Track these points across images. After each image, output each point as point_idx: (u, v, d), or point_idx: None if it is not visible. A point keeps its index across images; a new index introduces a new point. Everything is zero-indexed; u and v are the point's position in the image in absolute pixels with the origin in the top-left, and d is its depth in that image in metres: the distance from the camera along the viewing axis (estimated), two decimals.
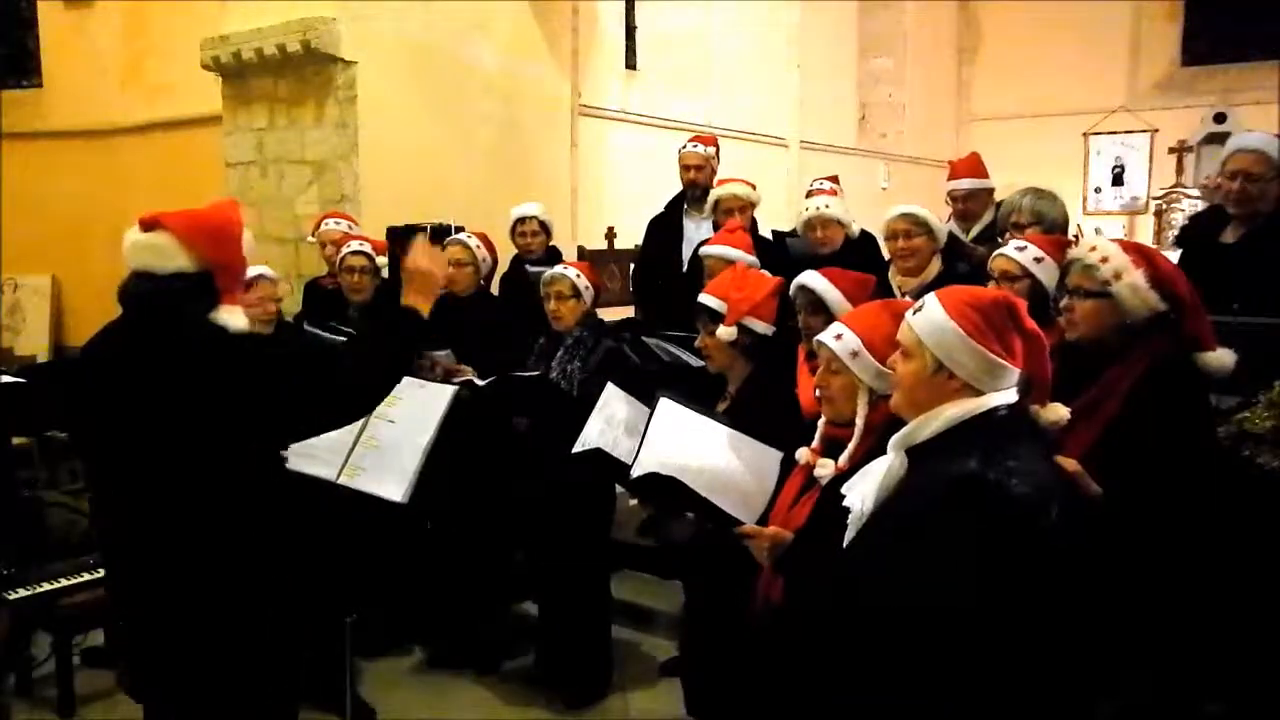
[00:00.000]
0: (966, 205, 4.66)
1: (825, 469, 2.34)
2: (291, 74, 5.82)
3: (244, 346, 2.16)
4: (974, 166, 4.79)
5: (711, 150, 5.04)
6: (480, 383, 3.68)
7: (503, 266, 5.06)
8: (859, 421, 2.29)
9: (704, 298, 3.07)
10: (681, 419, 2.75)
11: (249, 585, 2.16)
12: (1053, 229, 3.38)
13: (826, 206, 4.28)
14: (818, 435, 2.46)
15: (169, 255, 2.12)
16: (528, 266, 4.82)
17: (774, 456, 2.63)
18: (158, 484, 2.10)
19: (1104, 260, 2.41)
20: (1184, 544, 2.35)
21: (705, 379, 3.21)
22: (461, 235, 4.34)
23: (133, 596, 2.19)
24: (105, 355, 2.20)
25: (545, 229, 5.03)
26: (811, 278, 2.98)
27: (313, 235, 5.08)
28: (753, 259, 3.78)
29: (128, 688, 2.33)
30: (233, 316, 2.16)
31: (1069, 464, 2.23)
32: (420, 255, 2.42)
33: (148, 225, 2.15)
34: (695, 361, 3.55)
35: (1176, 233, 6.01)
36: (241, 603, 2.15)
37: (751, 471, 2.59)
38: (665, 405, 2.78)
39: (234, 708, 2.18)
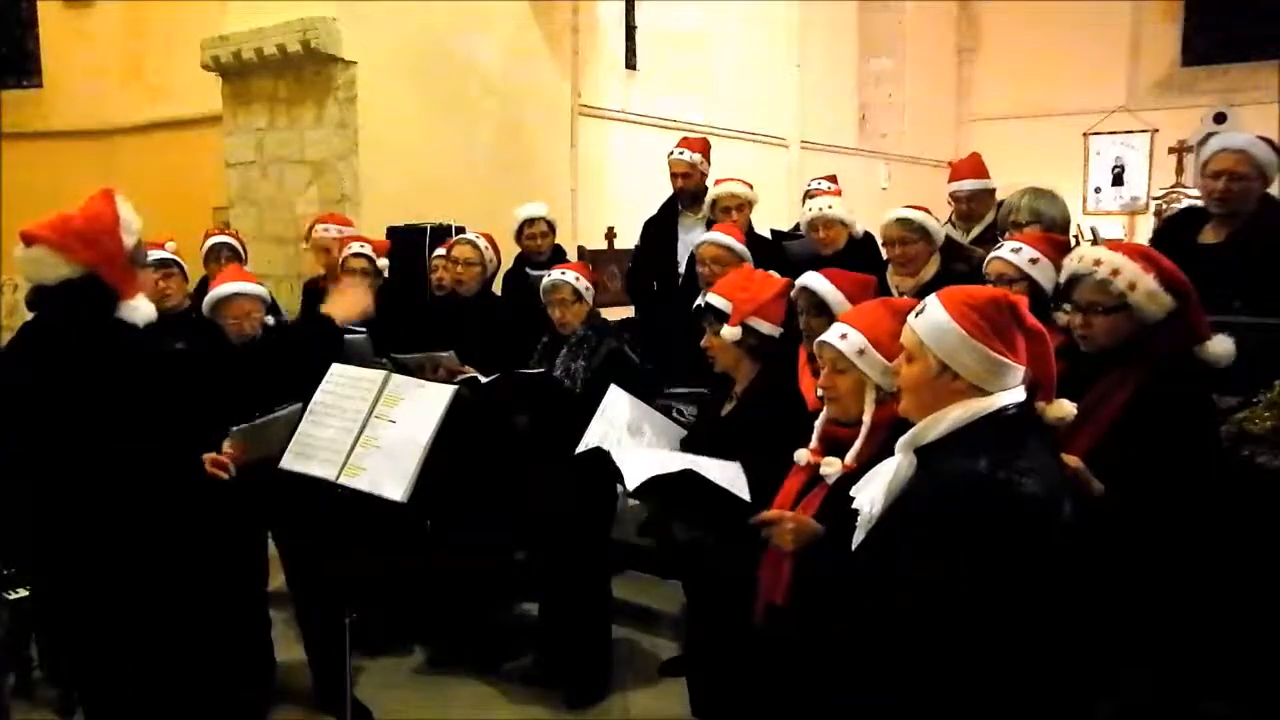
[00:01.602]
0: (970, 206, 4.66)
1: (832, 467, 2.33)
2: (291, 74, 5.82)
3: (143, 344, 2.18)
4: (976, 167, 4.79)
5: (698, 156, 4.97)
6: (484, 380, 3.68)
7: (505, 266, 5.06)
8: (866, 419, 2.28)
9: (710, 297, 3.05)
10: (643, 454, 2.74)
11: (158, 579, 2.18)
12: (1052, 227, 3.37)
13: (830, 207, 4.28)
14: (815, 434, 2.45)
15: (50, 266, 2.17)
16: (528, 270, 4.82)
17: (735, 466, 2.60)
18: (62, 486, 2.12)
19: (1115, 273, 2.39)
20: (1185, 544, 2.35)
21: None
22: (470, 235, 4.31)
23: (51, 591, 2.21)
24: (14, 361, 2.24)
25: (552, 229, 5.02)
26: (813, 279, 2.97)
27: (306, 242, 5.05)
28: (743, 248, 3.80)
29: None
30: (136, 311, 2.18)
31: (1071, 461, 2.23)
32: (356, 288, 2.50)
33: (26, 240, 2.19)
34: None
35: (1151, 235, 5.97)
36: (150, 597, 2.16)
37: (725, 479, 2.58)
38: (619, 452, 2.75)
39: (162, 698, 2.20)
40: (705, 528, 2.74)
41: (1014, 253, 2.79)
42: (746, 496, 2.51)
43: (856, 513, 1.95)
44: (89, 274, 2.15)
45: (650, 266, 5.18)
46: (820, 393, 2.43)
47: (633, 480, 2.52)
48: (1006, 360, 1.79)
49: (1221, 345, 2.46)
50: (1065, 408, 1.84)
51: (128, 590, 2.14)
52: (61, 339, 2.15)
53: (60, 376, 2.10)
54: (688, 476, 2.44)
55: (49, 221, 2.20)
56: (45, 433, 2.10)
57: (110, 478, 2.11)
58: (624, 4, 8.08)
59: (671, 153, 5.04)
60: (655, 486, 2.51)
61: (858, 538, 1.92)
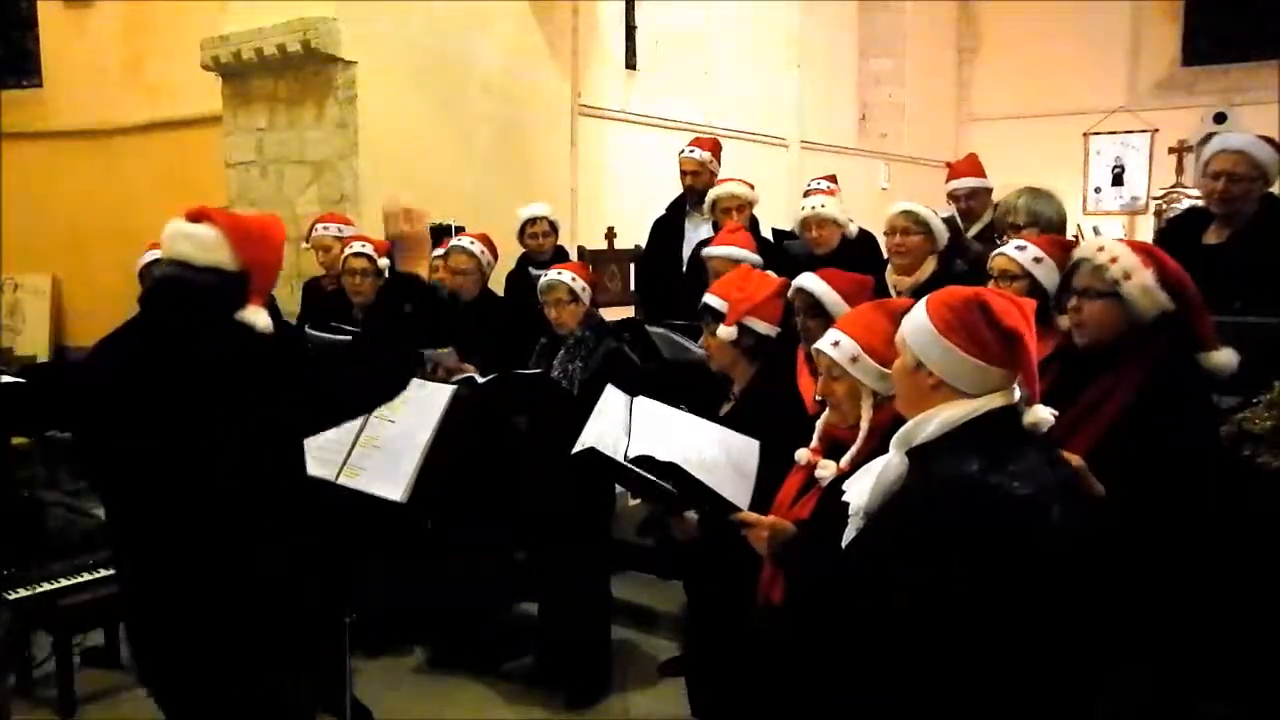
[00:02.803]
0: (968, 204, 4.68)
1: (826, 470, 2.33)
2: (291, 74, 5.82)
3: (268, 345, 2.15)
4: (973, 166, 4.83)
5: (708, 155, 5.03)
6: (481, 380, 3.68)
7: (508, 266, 5.06)
8: (863, 424, 2.28)
9: (707, 298, 3.06)
10: (660, 413, 2.76)
11: (265, 583, 2.14)
12: (1049, 228, 3.37)
13: (822, 206, 4.28)
14: (816, 435, 2.45)
15: (211, 249, 2.10)
16: (531, 269, 4.83)
17: (752, 445, 2.63)
18: (176, 481, 2.07)
19: (1113, 260, 2.39)
20: (1184, 544, 2.35)
21: (709, 376, 3.20)
22: (464, 242, 4.32)
23: (146, 595, 2.17)
24: (125, 349, 2.18)
25: (555, 229, 5.04)
26: (809, 280, 2.97)
27: (307, 242, 5.07)
28: (756, 258, 3.78)
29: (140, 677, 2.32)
30: (257, 316, 2.14)
31: (1073, 460, 2.22)
32: (393, 223, 2.34)
33: (194, 217, 2.15)
34: (700, 349, 3.54)
35: (1154, 236, 5.98)
36: (257, 601, 2.13)
37: (734, 459, 2.60)
38: (642, 401, 2.78)
39: (246, 705, 2.17)
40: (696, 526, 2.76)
41: (1019, 250, 2.80)
42: (749, 479, 2.53)
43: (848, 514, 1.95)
44: (242, 271, 2.12)
45: (657, 265, 5.21)
46: (817, 397, 2.43)
47: (634, 449, 2.53)
48: (972, 359, 1.78)
49: (1226, 356, 2.46)
50: (1039, 414, 1.83)
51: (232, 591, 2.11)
52: (187, 331, 2.09)
53: (190, 364, 2.05)
54: (673, 469, 2.44)
55: (224, 211, 2.19)
56: (171, 423, 2.05)
57: (233, 475, 2.07)
58: (624, 4, 8.08)
59: (682, 151, 5.08)
60: (649, 463, 2.51)
61: (848, 534, 1.92)
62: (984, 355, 1.78)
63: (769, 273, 3.17)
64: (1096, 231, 9.44)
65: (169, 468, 2.07)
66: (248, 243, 2.13)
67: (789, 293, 3.04)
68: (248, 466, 2.08)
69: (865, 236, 4.48)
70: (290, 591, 2.19)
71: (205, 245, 2.11)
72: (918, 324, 1.84)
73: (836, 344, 2.30)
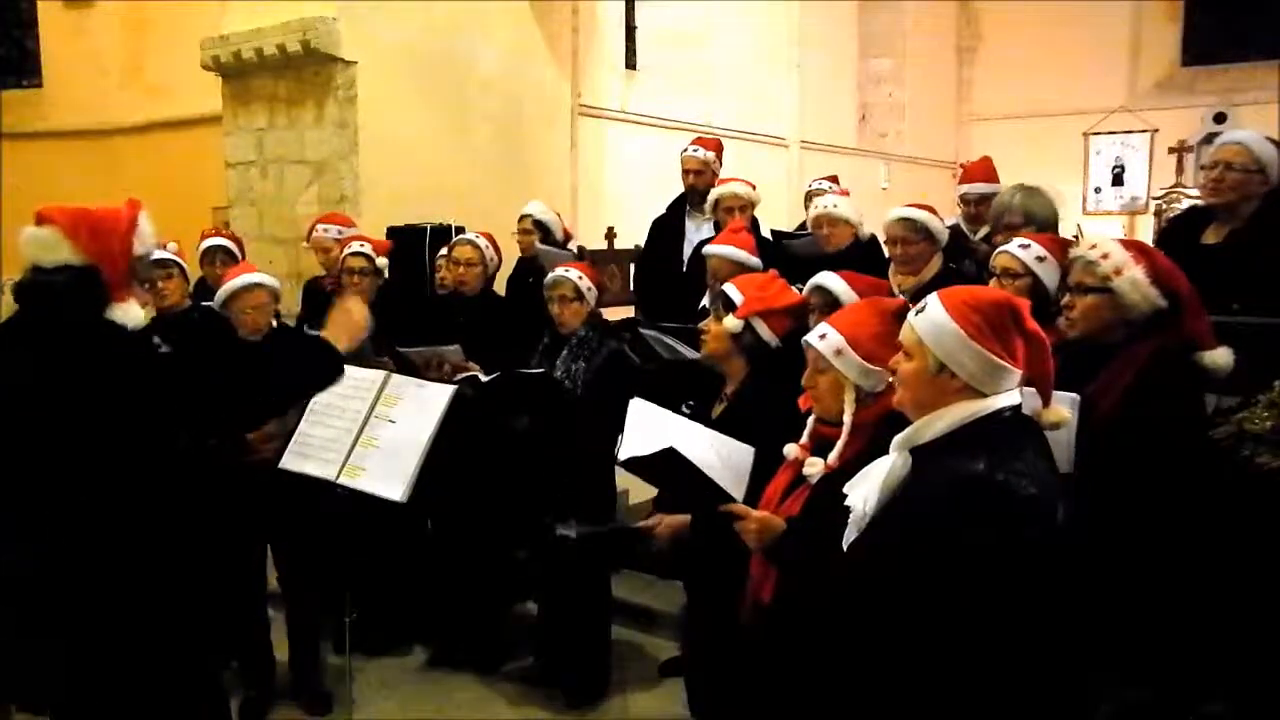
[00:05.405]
0: (978, 208, 4.67)
1: (814, 467, 2.33)
2: (291, 74, 5.82)
3: (133, 344, 2.18)
4: (987, 170, 4.83)
5: (711, 155, 5.03)
6: (484, 379, 3.68)
7: (507, 268, 5.07)
8: (846, 419, 2.28)
9: (727, 287, 3.06)
10: (655, 414, 2.76)
11: (144, 586, 2.16)
12: (1044, 227, 3.37)
13: (835, 206, 4.27)
14: (806, 432, 2.45)
15: (53, 248, 2.16)
16: (539, 245, 4.87)
17: (747, 451, 2.64)
18: (45, 482, 2.11)
19: (1104, 256, 2.43)
20: (1182, 543, 2.35)
21: (705, 376, 3.20)
22: (470, 235, 4.36)
23: (20, 600, 2.18)
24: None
25: (540, 227, 5.07)
26: (829, 278, 2.98)
27: (307, 242, 5.08)
28: (756, 261, 3.78)
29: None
30: (127, 313, 2.18)
31: None
32: (354, 301, 2.48)
33: (39, 220, 2.20)
34: (692, 354, 3.54)
35: (1155, 236, 5.95)
36: (135, 603, 2.15)
37: (729, 462, 2.60)
38: (636, 403, 2.78)
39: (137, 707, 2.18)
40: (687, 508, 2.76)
41: (1022, 248, 2.81)
42: (741, 484, 2.54)
43: (839, 512, 1.94)
44: (88, 265, 2.15)
45: (656, 265, 5.21)
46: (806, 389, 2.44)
47: (624, 453, 2.53)
48: (1004, 364, 1.79)
49: (1222, 355, 2.47)
50: (1059, 413, 1.85)
51: (119, 592, 2.13)
52: (49, 332, 2.13)
53: (47, 372, 2.08)
54: (669, 455, 2.44)
55: (66, 207, 2.23)
56: (28, 433, 2.09)
57: (98, 478, 2.10)
58: (624, 4, 8.08)
59: (685, 150, 5.08)
60: (640, 461, 2.51)
61: (849, 536, 1.92)
62: (1013, 359, 1.80)
63: (794, 288, 3.17)
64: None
65: (39, 465, 2.11)
66: (85, 235, 2.18)
67: (806, 290, 3.05)
68: (113, 461, 2.11)
69: (872, 240, 4.48)
70: (172, 581, 2.22)
71: (46, 245, 2.17)
72: (940, 326, 1.81)
73: (823, 337, 2.31)
